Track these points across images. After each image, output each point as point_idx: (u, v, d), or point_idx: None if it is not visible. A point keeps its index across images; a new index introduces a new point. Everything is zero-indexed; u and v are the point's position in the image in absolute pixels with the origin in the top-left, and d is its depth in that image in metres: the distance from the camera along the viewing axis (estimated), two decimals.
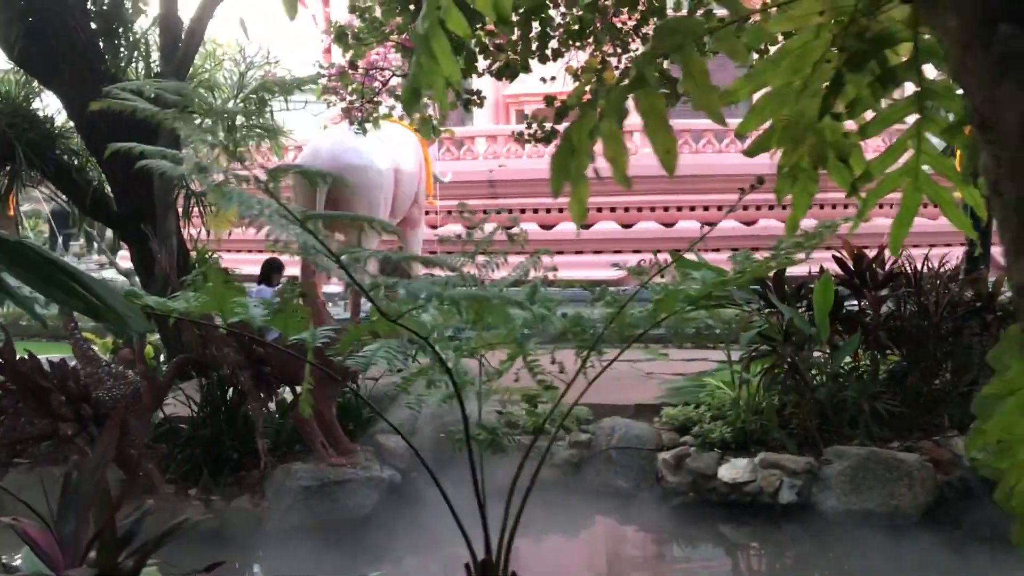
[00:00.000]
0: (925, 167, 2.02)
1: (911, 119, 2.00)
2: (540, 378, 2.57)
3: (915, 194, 2.04)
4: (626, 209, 17.05)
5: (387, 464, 5.74)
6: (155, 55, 8.00)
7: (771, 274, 6.58)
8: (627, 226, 16.16)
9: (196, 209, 8.73)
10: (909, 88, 2.03)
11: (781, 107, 2.00)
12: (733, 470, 5.92)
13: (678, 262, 5.29)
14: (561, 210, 17.96)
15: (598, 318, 2.56)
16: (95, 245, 19.61)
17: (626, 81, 1.47)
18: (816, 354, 6.39)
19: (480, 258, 3.22)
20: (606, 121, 1.57)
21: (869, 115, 2.07)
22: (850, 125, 2.09)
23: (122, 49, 7.67)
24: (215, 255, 8.44)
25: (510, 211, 17.87)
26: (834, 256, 6.79)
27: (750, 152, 2.04)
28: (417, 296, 1.77)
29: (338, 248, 1.75)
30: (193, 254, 8.50)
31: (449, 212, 13.28)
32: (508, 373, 2.65)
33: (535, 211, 18.04)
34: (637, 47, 8.17)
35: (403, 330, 2.26)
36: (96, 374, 5.50)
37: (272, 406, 6.27)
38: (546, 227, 17.81)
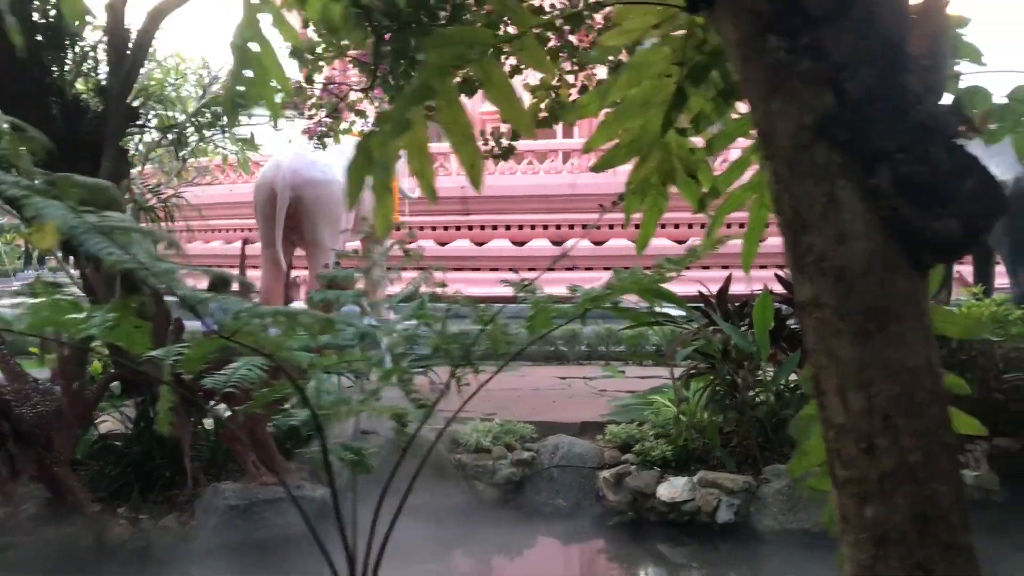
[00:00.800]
0: None
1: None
2: (414, 396, 2.52)
3: (761, 210, 2.01)
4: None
5: (321, 483, 5.65)
6: (103, 68, 7.93)
7: (715, 291, 6.58)
8: (599, 243, 16.06)
9: (145, 223, 8.66)
10: None
11: (626, 122, 1.96)
12: (671, 489, 5.87)
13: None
14: (533, 227, 17.95)
15: (475, 334, 2.51)
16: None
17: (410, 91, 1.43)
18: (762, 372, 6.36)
19: (376, 272, 3.19)
20: (409, 133, 1.53)
21: (718, 129, 2.04)
22: (698, 140, 2.05)
23: (67, 62, 7.60)
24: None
25: (482, 227, 17.87)
26: (776, 275, 6.79)
27: (596, 168, 2.00)
28: (228, 312, 1.73)
29: (150, 261, 1.71)
30: None
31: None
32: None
33: (507, 227, 18.01)
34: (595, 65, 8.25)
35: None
36: (22, 390, 5.40)
37: (209, 423, 6.19)
38: (518, 243, 17.78)
